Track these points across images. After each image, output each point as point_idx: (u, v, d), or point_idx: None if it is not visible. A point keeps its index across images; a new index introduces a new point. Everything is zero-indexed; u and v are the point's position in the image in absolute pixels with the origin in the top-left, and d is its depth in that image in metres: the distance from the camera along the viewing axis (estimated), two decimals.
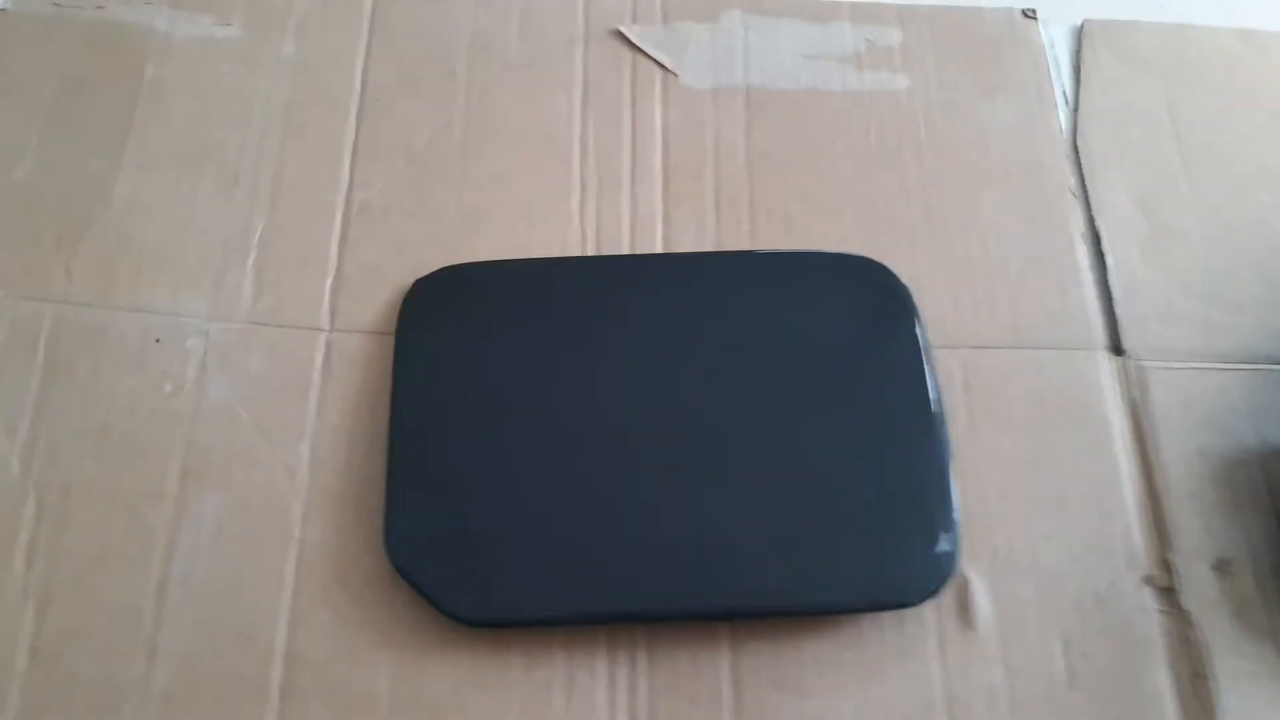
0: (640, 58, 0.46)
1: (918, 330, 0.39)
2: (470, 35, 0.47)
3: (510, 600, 0.35)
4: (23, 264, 0.41)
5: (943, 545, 0.35)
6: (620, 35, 0.47)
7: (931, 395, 0.38)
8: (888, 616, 0.36)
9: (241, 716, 0.34)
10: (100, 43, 0.46)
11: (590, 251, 0.43)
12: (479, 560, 0.36)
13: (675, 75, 0.46)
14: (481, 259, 0.41)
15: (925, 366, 0.38)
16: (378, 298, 0.41)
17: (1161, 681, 0.35)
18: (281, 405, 0.39)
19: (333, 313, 0.41)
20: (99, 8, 0.47)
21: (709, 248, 0.42)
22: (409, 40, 0.47)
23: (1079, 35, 0.48)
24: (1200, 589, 0.36)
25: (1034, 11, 0.48)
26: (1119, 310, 0.41)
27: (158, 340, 0.40)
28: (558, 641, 0.36)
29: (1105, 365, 0.40)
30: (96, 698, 0.34)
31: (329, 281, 0.42)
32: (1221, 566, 0.36)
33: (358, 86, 0.46)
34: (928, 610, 0.36)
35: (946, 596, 0.36)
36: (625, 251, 0.42)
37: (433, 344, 0.39)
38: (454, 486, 0.37)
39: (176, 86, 0.45)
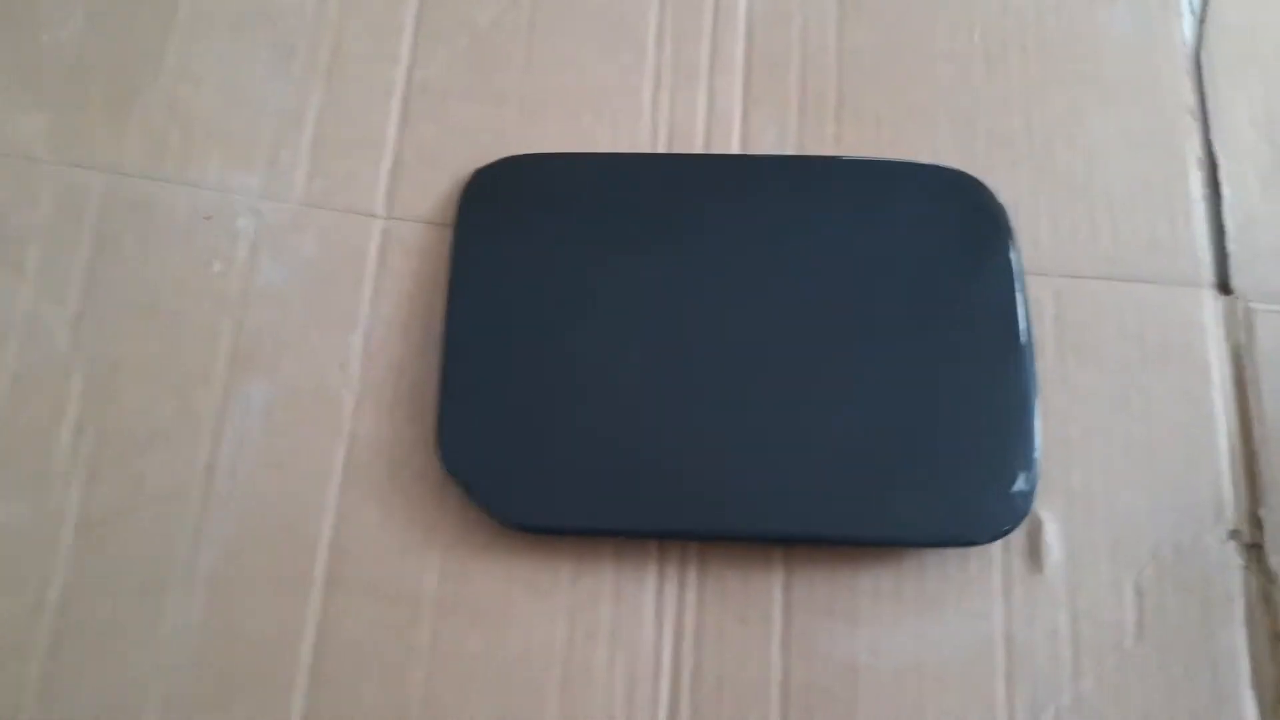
0: None
1: (1012, 255, 0.39)
2: None
3: (562, 508, 0.37)
4: (70, 129, 0.43)
5: (1019, 485, 0.36)
6: None
7: (1021, 326, 0.38)
8: (952, 552, 0.37)
9: (285, 605, 0.37)
10: None
11: (660, 148, 0.43)
12: (532, 465, 0.37)
13: None
14: (544, 149, 0.42)
15: (1017, 295, 0.38)
16: (436, 185, 0.42)
17: (1237, 640, 0.36)
18: (334, 293, 0.41)
19: (389, 199, 0.42)
20: None
21: (789, 150, 0.42)
22: None
23: None
24: None
25: None
26: (1230, 245, 0.40)
27: (207, 217, 0.41)
28: (608, 552, 0.37)
29: (1210, 304, 0.40)
30: (141, 577, 0.37)
31: (386, 165, 0.42)
32: None
33: None
34: (995, 548, 0.37)
35: (1016, 536, 0.37)
36: (698, 150, 0.43)
37: (491, 239, 0.40)
38: (509, 388, 0.38)
39: None
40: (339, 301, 0.41)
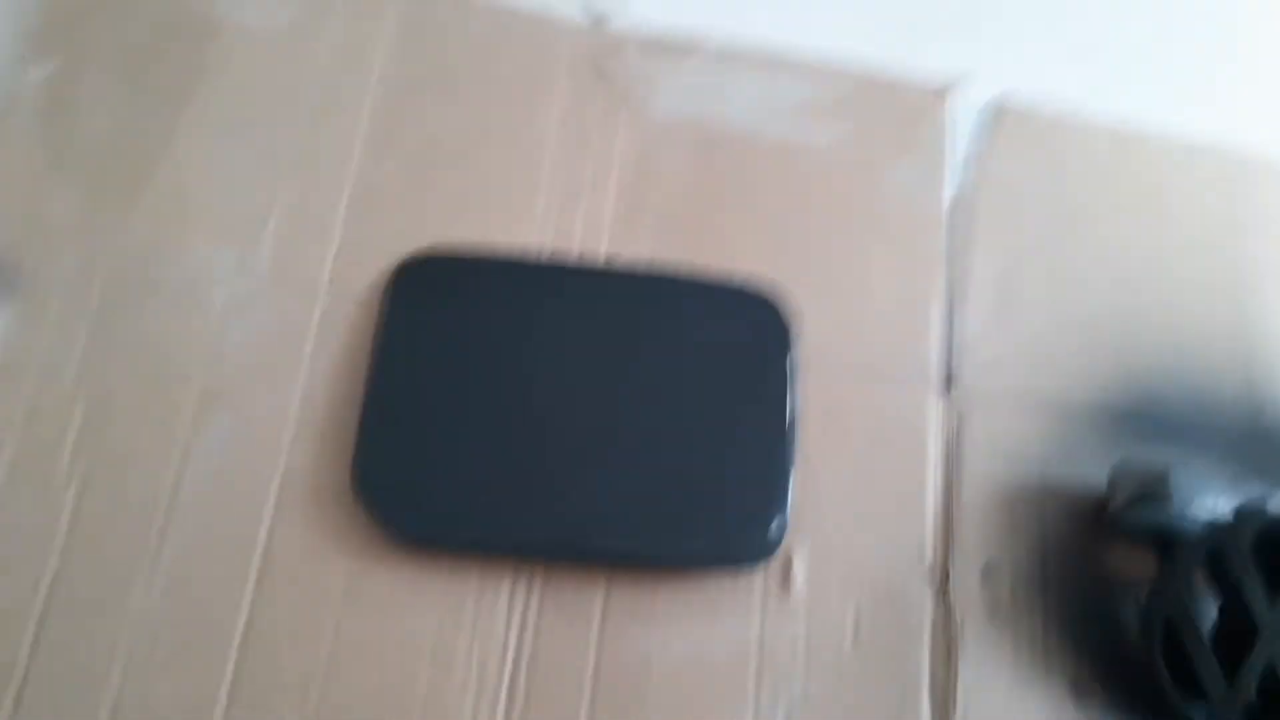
0: (613, 87, 0.58)
1: (791, 356, 0.52)
2: (479, 48, 0.58)
3: (443, 529, 0.49)
4: (91, 206, 0.52)
5: (775, 527, 0.49)
6: (599, 67, 0.59)
7: (789, 410, 0.51)
8: (725, 575, 0.49)
9: (227, 594, 0.47)
10: (168, 22, 0.56)
11: (547, 244, 0.54)
12: (422, 495, 0.49)
13: (639, 107, 0.57)
14: (462, 240, 0.53)
15: (789, 390, 0.51)
16: (371, 269, 0.52)
17: (922, 653, 0.49)
18: (283, 352, 0.50)
19: (331, 280, 0.52)
20: None
21: (645, 256, 0.54)
22: (429, 42, 0.58)
23: (980, 115, 0.60)
24: (966, 587, 0.50)
25: (944, 91, 0.59)
26: (955, 359, 0.54)
27: (193, 286, 0.51)
28: (474, 565, 0.49)
29: (934, 402, 0.53)
30: (116, 569, 0.46)
31: (331, 252, 0.53)
32: (987, 572, 0.50)
33: (375, 81, 0.57)
34: (759, 575, 0.49)
35: (774, 567, 0.49)
36: (575, 249, 0.54)
37: (407, 320, 0.51)
38: (410, 436, 0.49)
39: (231, 65, 0.55)
40: (286, 360, 0.51)
